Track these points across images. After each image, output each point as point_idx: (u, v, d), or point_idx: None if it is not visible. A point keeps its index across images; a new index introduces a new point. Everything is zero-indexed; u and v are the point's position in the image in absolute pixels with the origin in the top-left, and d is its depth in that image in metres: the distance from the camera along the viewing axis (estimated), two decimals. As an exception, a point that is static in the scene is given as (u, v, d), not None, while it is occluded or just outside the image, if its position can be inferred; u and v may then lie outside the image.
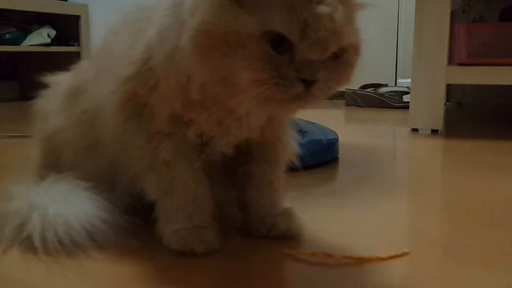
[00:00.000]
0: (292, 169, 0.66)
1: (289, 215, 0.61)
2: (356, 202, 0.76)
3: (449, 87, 1.39)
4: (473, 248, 0.57)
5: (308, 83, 0.44)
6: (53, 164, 0.71)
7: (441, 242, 0.62)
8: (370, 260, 0.53)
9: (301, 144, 0.67)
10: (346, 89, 2.24)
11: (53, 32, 2.46)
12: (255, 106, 0.46)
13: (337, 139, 1.05)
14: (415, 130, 1.41)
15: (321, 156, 0.99)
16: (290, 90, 0.44)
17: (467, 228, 0.64)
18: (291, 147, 0.65)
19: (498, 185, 0.86)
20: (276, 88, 0.44)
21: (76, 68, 0.72)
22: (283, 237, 0.59)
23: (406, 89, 2.05)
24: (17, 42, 2.36)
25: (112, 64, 0.58)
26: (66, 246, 0.55)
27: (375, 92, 2.15)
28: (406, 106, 1.63)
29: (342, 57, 0.47)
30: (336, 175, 0.97)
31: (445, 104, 1.43)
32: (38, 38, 2.40)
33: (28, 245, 0.55)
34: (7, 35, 2.35)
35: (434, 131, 1.39)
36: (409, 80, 1.48)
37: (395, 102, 2.08)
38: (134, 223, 0.59)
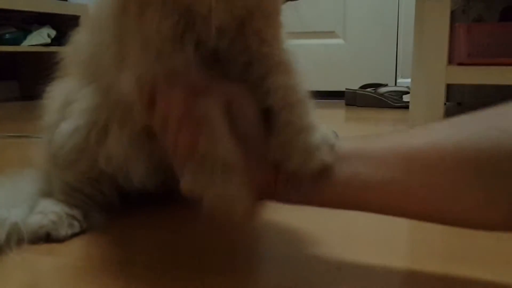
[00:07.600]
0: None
1: None
2: (356, 202, 0.76)
3: (449, 87, 1.39)
4: (473, 248, 0.57)
5: None
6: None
7: (441, 242, 0.62)
8: None
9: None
10: (346, 89, 2.24)
11: (53, 32, 2.46)
12: None
13: (337, 139, 1.05)
14: (415, 130, 1.41)
15: (321, 156, 0.98)
16: None
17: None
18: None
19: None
20: None
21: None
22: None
23: (406, 89, 2.05)
24: (17, 42, 2.37)
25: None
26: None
27: (375, 92, 2.15)
28: (406, 106, 1.63)
29: None
30: (336, 175, 0.97)
31: (445, 104, 1.42)
32: (38, 38, 2.40)
33: None
34: (7, 35, 2.35)
35: (434, 131, 1.39)
36: (409, 80, 1.48)
37: (395, 102, 2.08)
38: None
